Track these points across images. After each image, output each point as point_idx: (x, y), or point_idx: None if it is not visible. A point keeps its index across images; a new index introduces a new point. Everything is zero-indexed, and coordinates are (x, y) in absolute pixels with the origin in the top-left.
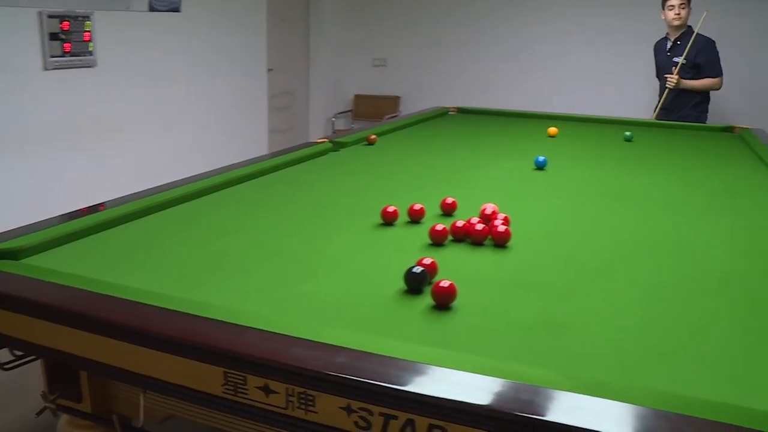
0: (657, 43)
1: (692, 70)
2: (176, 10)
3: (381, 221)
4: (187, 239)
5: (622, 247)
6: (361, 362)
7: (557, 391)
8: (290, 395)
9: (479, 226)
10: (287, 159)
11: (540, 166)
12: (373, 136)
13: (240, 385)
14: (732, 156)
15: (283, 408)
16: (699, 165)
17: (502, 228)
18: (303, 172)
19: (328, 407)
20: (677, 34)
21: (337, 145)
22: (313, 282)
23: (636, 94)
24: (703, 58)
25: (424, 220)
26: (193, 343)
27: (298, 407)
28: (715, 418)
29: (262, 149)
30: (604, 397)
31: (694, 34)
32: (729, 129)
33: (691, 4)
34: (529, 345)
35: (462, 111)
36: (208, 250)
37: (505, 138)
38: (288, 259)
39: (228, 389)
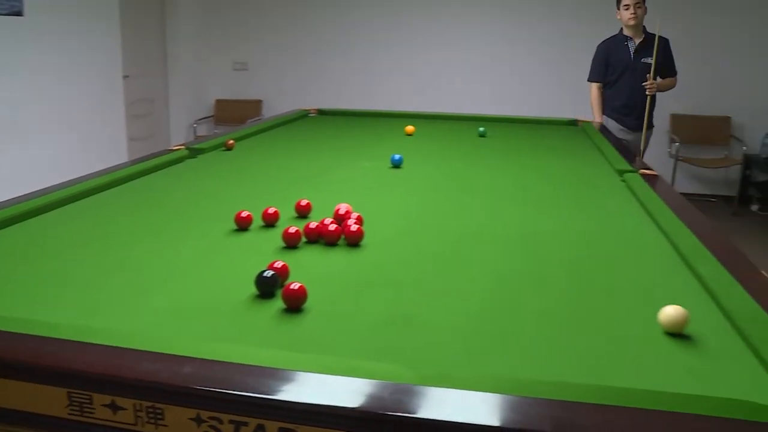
0: (608, 43)
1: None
2: (18, 13)
3: (235, 227)
4: (32, 256)
5: (472, 240)
6: (208, 371)
7: (404, 384)
8: (138, 410)
9: (332, 227)
10: (142, 168)
11: (396, 165)
12: (231, 141)
13: (86, 405)
14: (576, 148)
15: (132, 424)
16: (547, 157)
17: (354, 227)
18: (158, 180)
19: (177, 419)
20: (640, 36)
21: (194, 152)
22: (165, 292)
23: (489, 90)
24: (663, 57)
25: (278, 223)
26: (33, 366)
27: (147, 422)
28: (556, 397)
29: (121, 158)
30: (448, 387)
31: (657, 36)
32: (573, 122)
33: (646, 4)
34: (378, 341)
35: (322, 113)
36: (55, 266)
37: (363, 138)
38: (139, 270)
39: (73, 410)
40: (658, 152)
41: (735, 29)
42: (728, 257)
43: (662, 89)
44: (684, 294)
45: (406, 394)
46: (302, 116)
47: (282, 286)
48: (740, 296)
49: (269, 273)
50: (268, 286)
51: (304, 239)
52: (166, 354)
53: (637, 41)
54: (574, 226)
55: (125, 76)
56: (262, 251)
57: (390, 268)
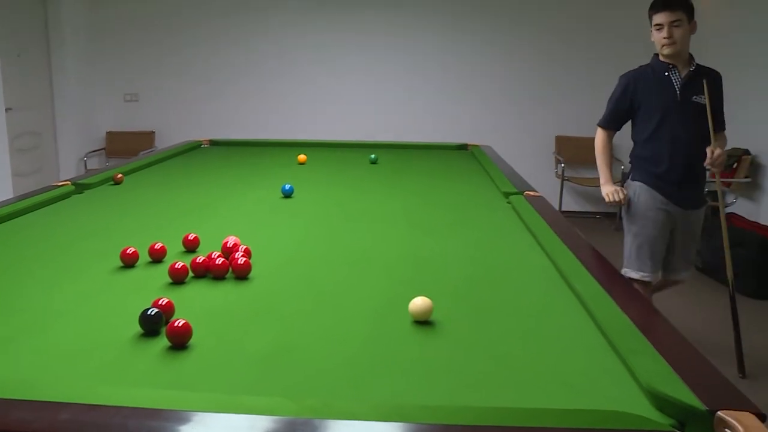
0: (636, 75)
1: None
2: None
3: (121, 264)
4: None
5: (360, 267)
6: (86, 416)
7: (286, 417)
8: None
9: (219, 261)
10: (25, 205)
11: (287, 194)
12: (120, 175)
13: None
14: (465, 172)
15: None
16: (437, 182)
17: (242, 260)
18: (42, 217)
19: None
20: (686, 64)
21: (80, 187)
22: (44, 334)
23: (381, 117)
24: (718, 99)
25: (165, 258)
26: None
27: None
28: (438, 421)
29: (5, 194)
30: (329, 417)
31: (710, 72)
32: (463, 147)
33: (691, 21)
34: (263, 375)
35: (215, 143)
36: None
37: (256, 168)
38: (19, 313)
39: None
40: (545, 173)
41: (610, 54)
42: (603, 273)
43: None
44: (562, 310)
45: (287, 426)
46: (195, 147)
47: (167, 323)
48: (612, 310)
49: (153, 311)
50: (152, 324)
51: (191, 274)
52: (42, 402)
53: (684, 72)
54: (461, 249)
55: (7, 109)
56: (148, 288)
57: (277, 299)
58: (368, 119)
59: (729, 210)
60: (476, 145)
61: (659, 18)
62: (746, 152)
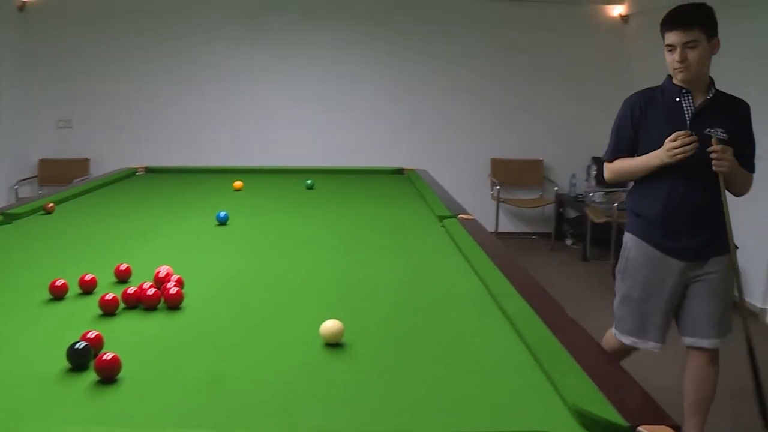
0: (642, 97)
1: None
2: None
3: (50, 296)
4: None
5: (294, 295)
6: None
7: None
8: None
9: (151, 291)
10: None
11: (222, 222)
12: (51, 204)
13: None
14: (401, 196)
15: None
16: (373, 206)
17: (174, 290)
18: None
19: None
20: (703, 91)
21: (8, 217)
22: None
23: (317, 141)
24: (740, 134)
25: (96, 290)
26: None
27: None
28: None
29: None
30: None
31: (733, 101)
32: (399, 171)
33: (712, 40)
34: (194, 407)
35: (151, 170)
36: None
37: (191, 195)
38: None
39: None
40: (481, 195)
41: (543, 86)
42: (533, 294)
43: (730, 182)
44: (492, 332)
45: None
46: (130, 175)
47: (95, 356)
48: (541, 331)
49: (81, 344)
50: (80, 358)
51: (122, 305)
52: None
53: (699, 99)
54: (395, 273)
55: None
56: (78, 321)
57: (209, 329)
58: (305, 144)
59: None
60: (412, 169)
61: (671, 38)
62: None
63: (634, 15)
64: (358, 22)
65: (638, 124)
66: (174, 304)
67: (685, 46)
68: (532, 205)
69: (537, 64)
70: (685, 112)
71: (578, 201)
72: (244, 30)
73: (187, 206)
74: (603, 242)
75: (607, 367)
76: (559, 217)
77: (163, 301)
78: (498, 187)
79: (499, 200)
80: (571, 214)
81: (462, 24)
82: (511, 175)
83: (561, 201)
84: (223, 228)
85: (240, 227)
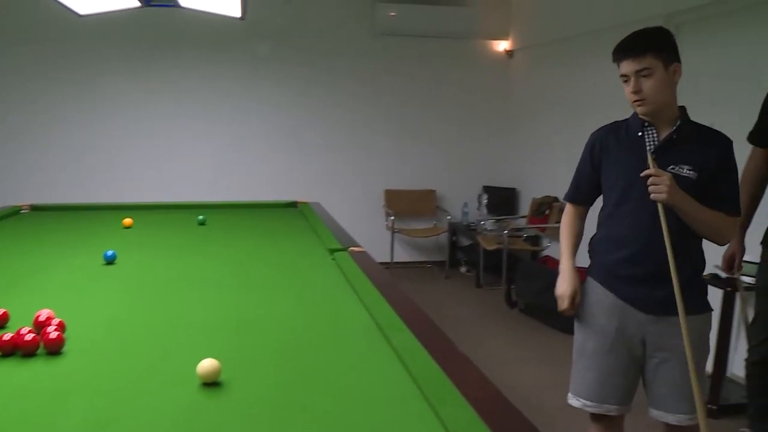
0: (605, 132)
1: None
2: None
3: None
4: None
5: (182, 334)
6: None
7: None
8: None
9: (29, 337)
10: None
11: (109, 261)
12: None
13: None
14: (293, 229)
15: None
16: (265, 241)
17: (54, 335)
18: None
19: None
20: (669, 123)
21: None
22: None
23: (214, 177)
24: (717, 173)
25: None
26: None
27: None
28: None
29: None
30: None
31: (708, 134)
32: (293, 204)
33: (670, 67)
34: None
35: (36, 208)
36: None
37: (78, 234)
38: None
39: None
40: (376, 226)
41: (435, 118)
42: (419, 326)
43: (689, 219)
44: (379, 365)
45: None
46: (13, 213)
47: None
48: (425, 361)
49: None
50: None
51: None
52: None
53: (665, 133)
54: (285, 309)
55: None
56: None
57: (91, 374)
58: (198, 179)
59: (545, 253)
60: (305, 203)
61: (623, 68)
62: (556, 199)
63: (518, 50)
64: (250, 57)
65: (599, 162)
66: (54, 349)
67: (639, 75)
68: (426, 235)
69: (429, 97)
70: (647, 147)
71: (471, 229)
72: (135, 66)
73: (73, 245)
74: (495, 269)
75: (487, 395)
76: (453, 246)
77: (42, 346)
78: (392, 217)
79: (393, 231)
80: (465, 242)
81: (356, 58)
82: (405, 205)
83: (454, 229)
84: (110, 267)
85: (128, 266)
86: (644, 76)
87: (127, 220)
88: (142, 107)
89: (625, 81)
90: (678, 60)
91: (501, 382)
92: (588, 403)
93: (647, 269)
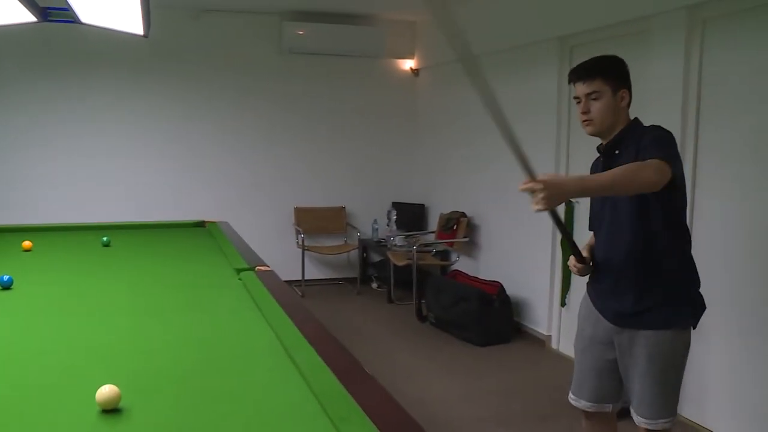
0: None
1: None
2: None
3: None
4: None
5: (81, 360)
6: None
7: None
8: None
9: None
10: None
11: (5, 286)
12: None
13: None
14: (201, 249)
15: None
16: (171, 262)
17: None
18: None
19: None
20: (610, 134)
21: None
22: None
23: (120, 197)
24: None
25: None
26: None
27: None
28: None
29: None
30: None
31: (636, 131)
32: (201, 224)
33: (618, 92)
34: None
35: None
36: None
37: None
38: None
39: None
40: (287, 244)
41: (344, 135)
42: (323, 345)
43: (612, 189)
44: (284, 384)
45: None
46: None
47: None
48: (329, 380)
49: None
50: None
51: None
52: None
53: (606, 143)
54: (188, 332)
55: None
56: None
57: None
58: (103, 199)
59: (454, 267)
60: (213, 222)
61: (576, 89)
62: (463, 215)
63: (423, 69)
64: (158, 73)
65: None
66: None
67: (589, 97)
68: (337, 252)
69: (338, 114)
70: (600, 166)
71: (381, 245)
72: (36, 82)
73: None
74: (406, 284)
75: (388, 410)
76: (364, 262)
77: None
78: (302, 235)
79: (304, 248)
80: (375, 258)
81: (264, 76)
82: (315, 222)
83: (365, 246)
84: (6, 293)
85: (26, 291)
86: (594, 99)
87: (26, 243)
88: (48, 126)
89: (578, 102)
90: (626, 87)
91: (411, 396)
92: (571, 396)
93: (604, 284)
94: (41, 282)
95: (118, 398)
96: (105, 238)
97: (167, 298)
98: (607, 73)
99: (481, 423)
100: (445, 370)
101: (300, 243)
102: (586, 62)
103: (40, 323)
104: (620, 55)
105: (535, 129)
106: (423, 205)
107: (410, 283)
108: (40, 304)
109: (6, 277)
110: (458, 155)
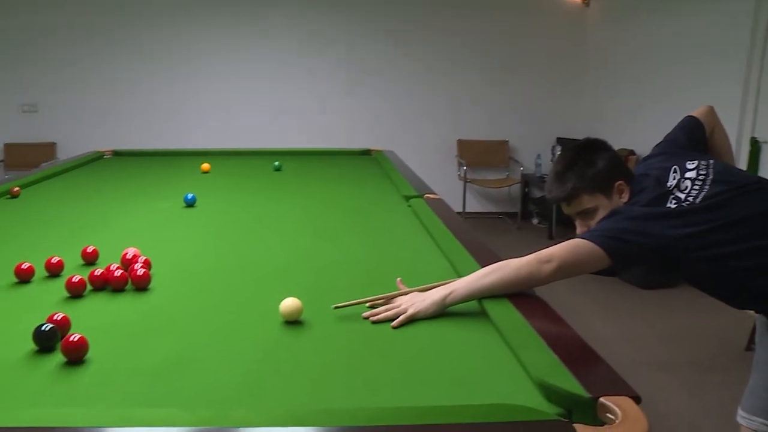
0: None
1: None
2: None
3: (16, 279)
4: None
5: (260, 276)
6: None
7: (181, 428)
8: None
9: (118, 273)
10: None
11: (189, 204)
12: (16, 189)
13: None
14: (368, 176)
15: None
16: (340, 187)
17: (141, 272)
18: None
19: None
20: None
21: None
22: None
23: (285, 123)
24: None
25: (63, 272)
26: None
27: None
28: (329, 424)
29: None
30: (225, 426)
31: None
32: (367, 152)
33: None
34: (159, 387)
35: (118, 154)
36: None
37: (158, 178)
38: None
39: None
40: (448, 176)
41: (509, 69)
42: None
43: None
44: (458, 310)
45: None
46: (97, 158)
47: (62, 338)
48: (505, 308)
49: (47, 326)
50: (46, 340)
51: (89, 287)
52: None
53: None
54: (361, 254)
55: None
56: (44, 303)
57: (176, 311)
58: (273, 127)
59: None
60: (379, 151)
61: (563, 209)
62: (632, 152)
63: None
64: (326, 4)
65: None
66: (141, 285)
67: (581, 215)
68: (499, 186)
69: (505, 46)
70: None
71: (543, 181)
72: (213, 13)
73: (154, 189)
74: (568, 221)
75: (570, 341)
76: (525, 197)
77: (130, 282)
78: (464, 167)
79: (465, 181)
80: (537, 193)
81: (431, 9)
82: (478, 156)
83: (527, 181)
84: (190, 210)
85: (207, 209)
86: (588, 214)
87: (205, 165)
88: (224, 55)
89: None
90: (618, 176)
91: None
92: (741, 414)
93: None
94: (220, 201)
95: (300, 310)
96: (276, 163)
97: (339, 221)
98: (589, 182)
99: (642, 366)
100: (606, 311)
101: (462, 175)
102: (555, 182)
103: (222, 239)
104: None
105: (722, 64)
106: None
107: (572, 220)
108: (221, 222)
109: (190, 196)
110: (629, 91)
